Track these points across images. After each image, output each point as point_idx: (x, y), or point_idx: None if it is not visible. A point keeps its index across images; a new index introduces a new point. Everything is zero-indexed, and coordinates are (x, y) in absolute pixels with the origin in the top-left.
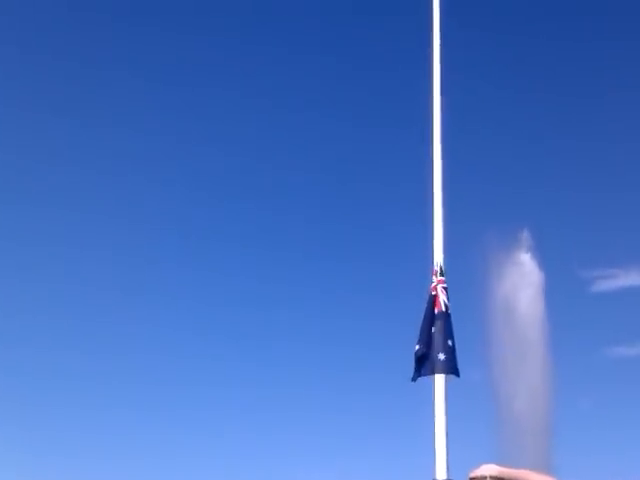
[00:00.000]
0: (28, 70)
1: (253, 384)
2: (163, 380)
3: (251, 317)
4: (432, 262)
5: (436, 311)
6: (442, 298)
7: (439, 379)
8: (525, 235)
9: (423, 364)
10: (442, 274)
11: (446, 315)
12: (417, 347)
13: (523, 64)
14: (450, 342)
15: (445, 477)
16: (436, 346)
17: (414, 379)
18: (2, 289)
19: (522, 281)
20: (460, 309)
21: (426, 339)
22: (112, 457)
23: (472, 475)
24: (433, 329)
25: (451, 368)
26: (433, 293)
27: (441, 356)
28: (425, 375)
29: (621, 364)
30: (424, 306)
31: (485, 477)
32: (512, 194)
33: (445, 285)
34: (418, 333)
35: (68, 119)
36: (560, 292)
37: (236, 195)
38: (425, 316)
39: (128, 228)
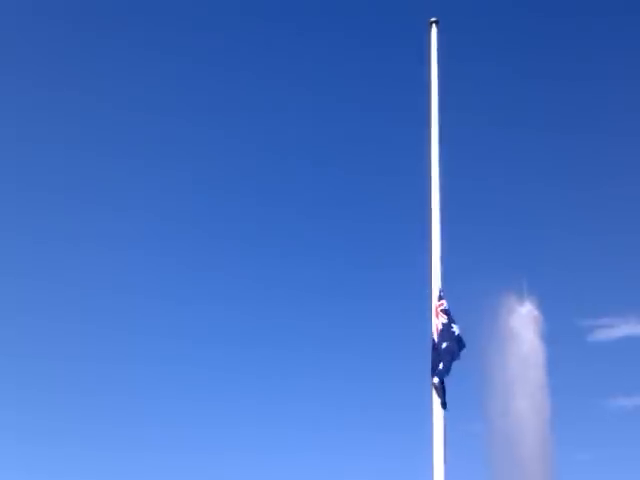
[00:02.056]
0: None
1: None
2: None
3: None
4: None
5: (436, 339)
6: (437, 322)
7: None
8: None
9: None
10: (441, 298)
11: (445, 328)
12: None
13: (525, 107)
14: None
15: None
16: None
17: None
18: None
19: (521, 334)
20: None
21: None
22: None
23: None
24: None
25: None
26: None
27: (444, 344)
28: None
29: (620, 416)
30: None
31: None
32: (511, 243)
33: (445, 307)
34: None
35: None
36: (559, 341)
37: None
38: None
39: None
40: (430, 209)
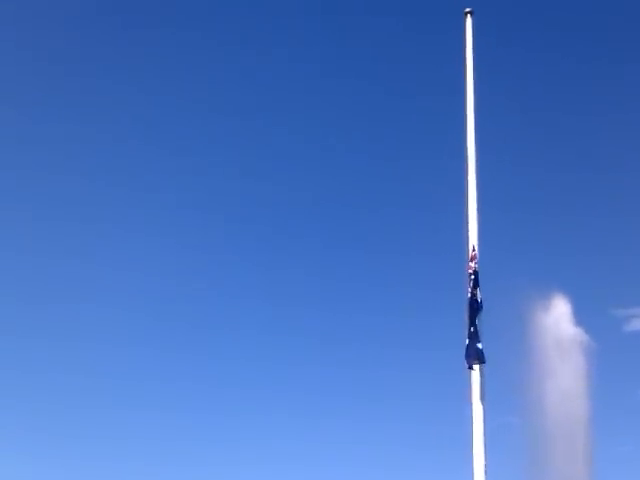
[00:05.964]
0: None
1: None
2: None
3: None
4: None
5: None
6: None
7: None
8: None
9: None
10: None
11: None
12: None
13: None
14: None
15: None
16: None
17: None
18: None
19: (559, 330)
20: (497, 356)
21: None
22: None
23: None
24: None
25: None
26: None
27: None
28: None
29: None
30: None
31: None
32: (544, 233)
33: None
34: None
35: None
36: (594, 331)
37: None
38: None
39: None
40: (466, 198)
